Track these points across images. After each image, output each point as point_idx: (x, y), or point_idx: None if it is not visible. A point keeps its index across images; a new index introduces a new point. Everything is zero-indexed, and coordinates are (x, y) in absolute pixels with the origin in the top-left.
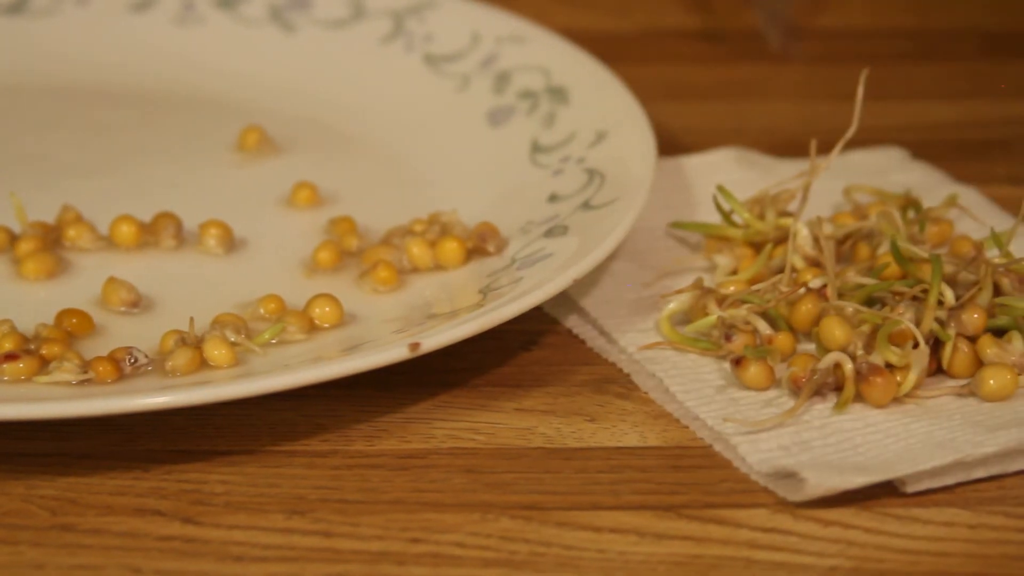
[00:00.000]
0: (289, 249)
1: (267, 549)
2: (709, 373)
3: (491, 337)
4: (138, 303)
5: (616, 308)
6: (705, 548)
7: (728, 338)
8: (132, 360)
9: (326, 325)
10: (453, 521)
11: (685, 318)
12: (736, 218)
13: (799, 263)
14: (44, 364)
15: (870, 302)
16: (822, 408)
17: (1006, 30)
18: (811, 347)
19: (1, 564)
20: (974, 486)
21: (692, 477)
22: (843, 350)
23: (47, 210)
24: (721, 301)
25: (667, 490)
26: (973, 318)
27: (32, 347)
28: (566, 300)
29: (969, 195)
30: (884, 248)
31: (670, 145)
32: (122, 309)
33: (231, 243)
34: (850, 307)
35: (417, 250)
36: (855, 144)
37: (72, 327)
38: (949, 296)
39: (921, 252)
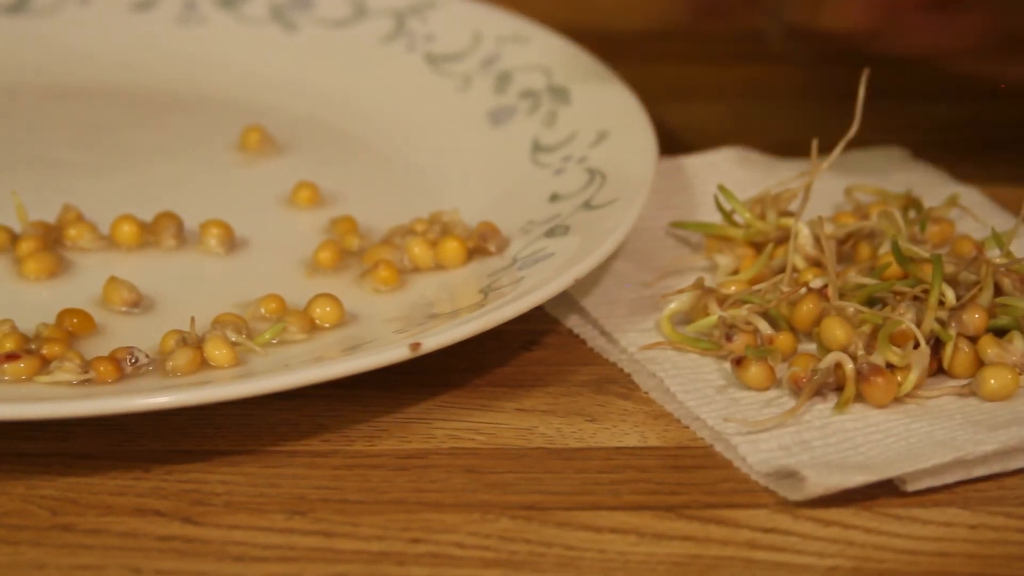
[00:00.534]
0: (290, 249)
1: (267, 549)
2: (710, 373)
3: (492, 337)
4: (139, 303)
5: (617, 308)
6: (705, 548)
7: (729, 338)
8: (133, 360)
9: (327, 325)
10: (453, 521)
11: (686, 318)
12: (737, 218)
13: (800, 263)
14: (45, 364)
15: (871, 302)
16: (823, 408)
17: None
18: (812, 347)
19: (1, 564)
20: (974, 486)
21: (692, 477)
22: (844, 350)
23: (48, 210)
24: (722, 301)
25: (667, 490)
26: (974, 318)
27: (33, 347)
28: (567, 300)
29: (970, 195)
30: (885, 248)
31: (670, 145)
32: (123, 309)
33: (232, 243)
34: (851, 307)
35: (418, 250)
36: (856, 144)
37: (73, 327)
38: (950, 296)
39: (922, 252)
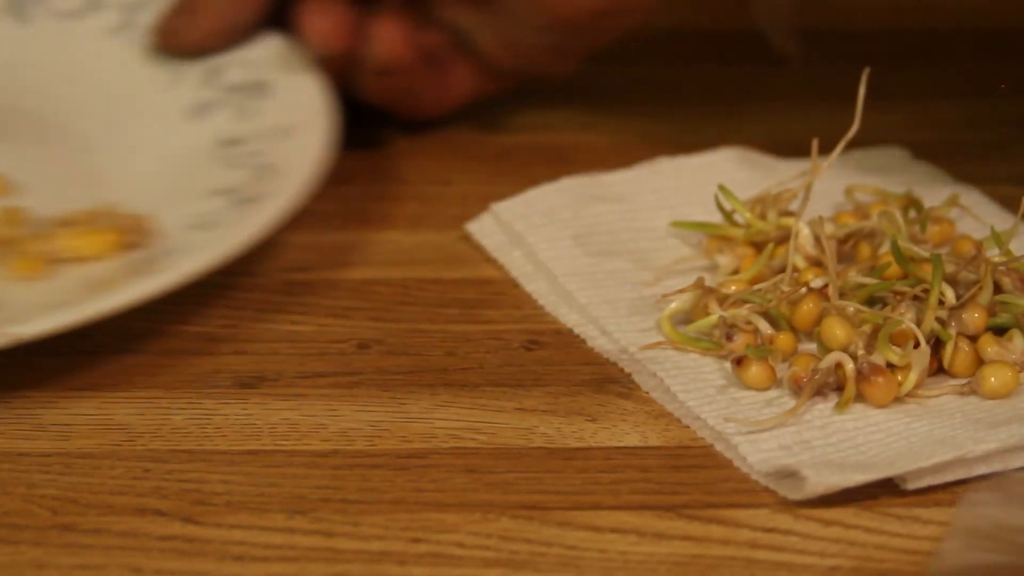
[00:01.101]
0: None
1: (268, 549)
2: (710, 373)
3: (492, 337)
4: None
5: (617, 308)
6: (706, 548)
7: (729, 338)
8: None
9: None
10: (454, 521)
11: (686, 318)
12: (737, 218)
13: (800, 263)
14: None
15: (871, 302)
16: (823, 408)
17: (1005, 27)
18: (813, 347)
19: (2, 564)
20: (975, 486)
21: (693, 477)
22: (844, 350)
23: None
24: (722, 301)
25: (668, 490)
26: (974, 317)
27: None
28: (568, 299)
29: (971, 195)
30: (885, 248)
31: (670, 145)
32: None
33: None
34: (851, 307)
35: (66, 241)
36: (856, 144)
37: None
38: (950, 295)
39: (922, 252)
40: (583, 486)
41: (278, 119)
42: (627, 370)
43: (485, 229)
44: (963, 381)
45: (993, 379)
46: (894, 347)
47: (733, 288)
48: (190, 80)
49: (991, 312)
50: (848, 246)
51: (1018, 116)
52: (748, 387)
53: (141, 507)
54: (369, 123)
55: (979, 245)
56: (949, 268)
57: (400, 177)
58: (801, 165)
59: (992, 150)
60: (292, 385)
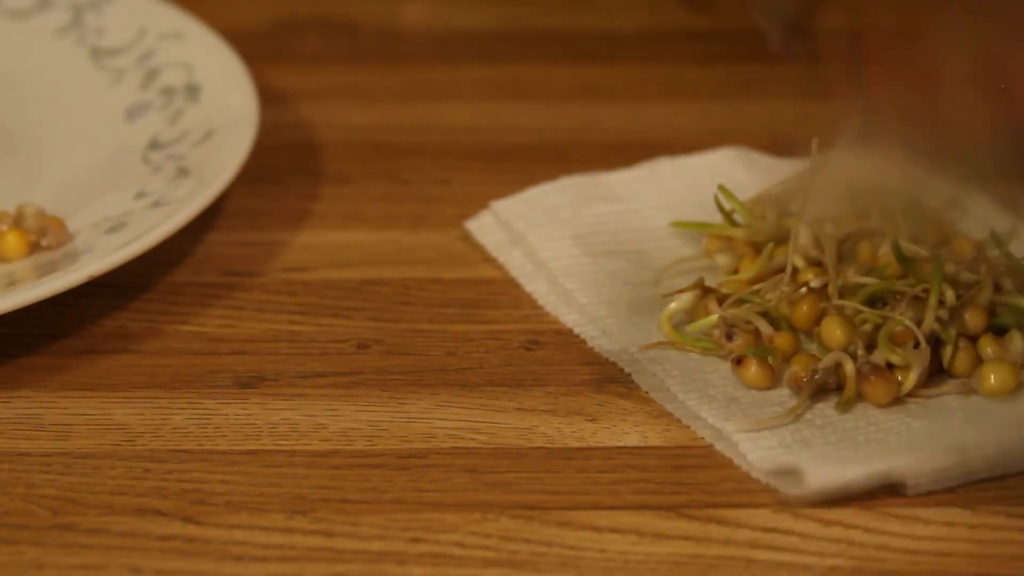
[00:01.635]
0: None
1: (268, 549)
2: (711, 372)
3: (492, 337)
4: None
5: (617, 308)
6: (705, 548)
7: (729, 338)
8: None
9: None
10: (454, 521)
11: (686, 318)
12: (737, 218)
13: (800, 263)
14: None
15: (872, 302)
16: (823, 407)
17: None
18: (812, 347)
19: (2, 564)
20: (975, 486)
21: (693, 477)
22: (844, 350)
23: None
24: (722, 301)
25: (668, 490)
26: (974, 317)
27: None
28: (568, 299)
29: (971, 195)
30: (885, 248)
31: (670, 145)
32: None
33: None
34: (850, 306)
35: None
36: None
37: None
38: (950, 296)
39: (922, 252)
40: (583, 486)
41: (203, 123)
42: (627, 370)
43: (485, 228)
44: (963, 380)
45: (993, 377)
46: (894, 347)
47: (733, 288)
48: (130, 82)
49: (991, 313)
50: (847, 246)
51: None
52: (748, 387)
53: (141, 507)
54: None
55: (980, 246)
56: (949, 268)
57: (400, 177)
58: (798, 164)
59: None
60: (292, 385)
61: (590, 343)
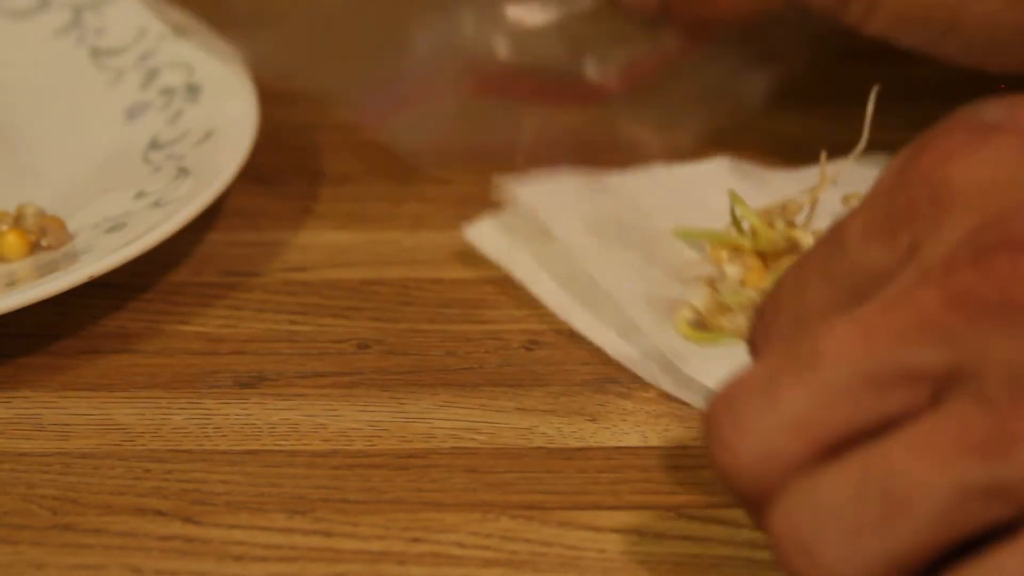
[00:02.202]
0: None
1: (268, 549)
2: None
3: (492, 337)
4: None
5: (633, 306)
6: (706, 548)
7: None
8: None
9: None
10: (454, 521)
11: (700, 322)
12: (744, 225)
13: None
14: None
15: None
16: None
17: None
18: None
19: (1, 564)
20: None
21: (693, 477)
22: None
23: None
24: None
25: (668, 490)
26: None
27: None
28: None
29: None
30: None
31: (670, 142)
32: None
33: None
34: None
35: None
36: (846, 148)
37: None
38: None
39: None
40: (583, 486)
41: (203, 123)
42: (643, 375)
43: (485, 235)
44: None
45: None
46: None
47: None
48: (130, 82)
49: None
50: None
51: None
52: None
53: (141, 507)
54: None
55: None
56: None
57: (400, 177)
58: (792, 175)
59: None
60: (292, 385)
61: (607, 349)
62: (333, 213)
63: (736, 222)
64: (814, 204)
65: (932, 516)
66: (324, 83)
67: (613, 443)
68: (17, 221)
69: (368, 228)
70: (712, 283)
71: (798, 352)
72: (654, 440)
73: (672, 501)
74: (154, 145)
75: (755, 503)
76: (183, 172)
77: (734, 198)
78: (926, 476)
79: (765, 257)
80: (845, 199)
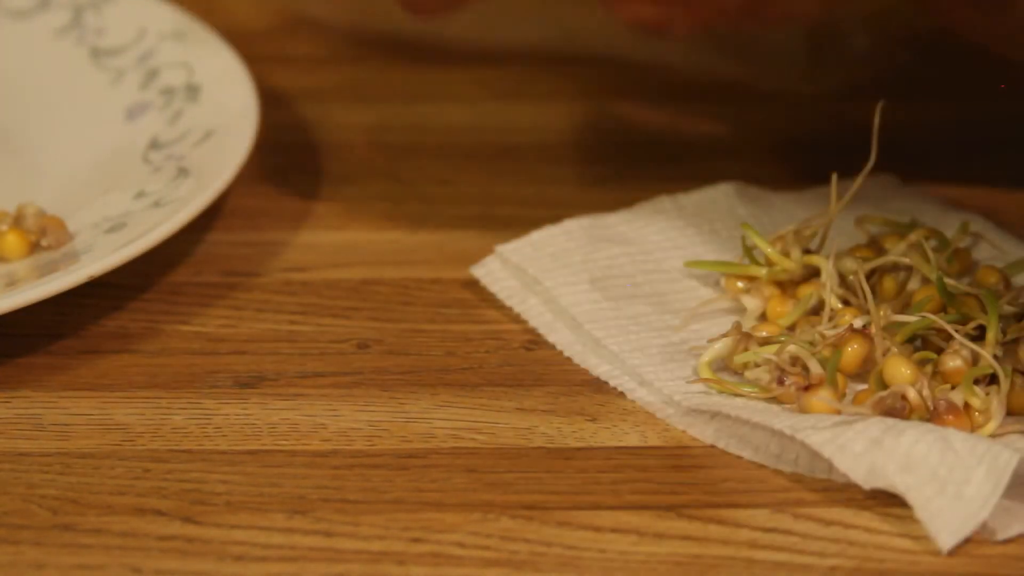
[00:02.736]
0: None
1: (268, 549)
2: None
3: (492, 337)
4: None
5: (651, 356)
6: (705, 548)
7: (781, 381)
8: None
9: None
10: (454, 521)
11: (723, 364)
12: (758, 255)
13: (836, 303)
14: None
15: (910, 339)
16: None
17: None
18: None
19: (2, 564)
20: None
21: (693, 477)
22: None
23: None
24: (764, 344)
25: (668, 490)
26: None
27: None
28: (597, 349)
29: (975, 221)
30: (914, 282)
31: (668, 145)
32: None
33: None
34: (898, 347)
35: None
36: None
37: None
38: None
39: (964, 287)
40: (583, 486)
41: (202, 123)
42: (677, 424)
43: (493, 274)
44: (1019, 418)
45: None
46: (976, 388)
47: (772, 332)
48: (130, 82)
49: None
50: (872, 281)
51: (1018, 116)
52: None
53: (141, 507)
54: None
55: (1006, 276)
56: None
57: (400, 177)
58: (795, 197)
59: (991, 150)
60: (292, 385)
61: (629, 395)
62: (333, 213)
63: (748, 252)
64: (827, 230)
65: None
66: None
67: (613, 443)
68: (17, 221)
69: (368, 228)
70: (736, 326)
71: None
72: (654, 440)
73: (672, 501)
74: (154, 145)
75: None
76: (183, 172)
77: (747, 230)
78: None
79: (783, 285)
80: (858, 220)
